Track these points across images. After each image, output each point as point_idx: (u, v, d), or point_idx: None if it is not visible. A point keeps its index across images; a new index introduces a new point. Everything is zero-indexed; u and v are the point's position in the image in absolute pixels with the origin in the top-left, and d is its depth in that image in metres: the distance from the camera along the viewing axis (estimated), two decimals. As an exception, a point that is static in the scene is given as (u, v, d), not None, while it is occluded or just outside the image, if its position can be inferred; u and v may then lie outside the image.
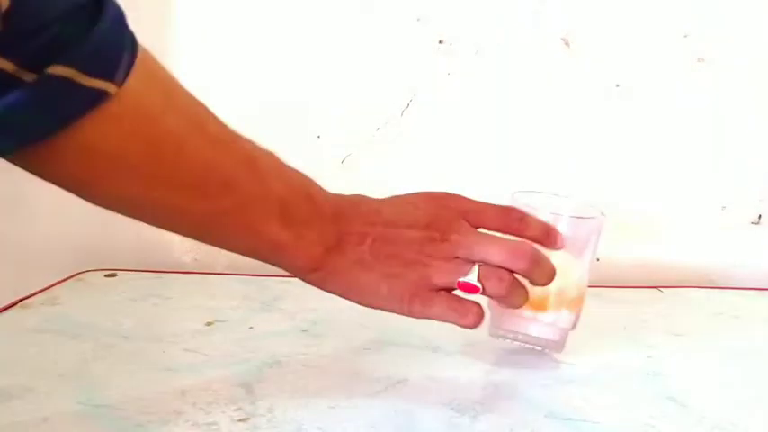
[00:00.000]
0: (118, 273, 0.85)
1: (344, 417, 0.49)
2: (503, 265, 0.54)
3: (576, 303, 0.58)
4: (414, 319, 0.62)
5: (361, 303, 0.55)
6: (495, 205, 0.57)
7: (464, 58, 0.90)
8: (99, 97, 0.38)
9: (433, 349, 0.62)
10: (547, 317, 0.57)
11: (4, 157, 0.38)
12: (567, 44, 0.90)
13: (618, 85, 0.91)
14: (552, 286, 0.55)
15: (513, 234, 0.56)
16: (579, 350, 0.62)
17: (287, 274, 0.84)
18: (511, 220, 0.56)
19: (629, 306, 0.77)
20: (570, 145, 0.91)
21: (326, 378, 0.56)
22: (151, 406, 0.50)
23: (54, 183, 0.42)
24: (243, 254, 0.53)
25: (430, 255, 0.54)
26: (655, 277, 0.86)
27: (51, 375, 0.55)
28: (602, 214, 0.58)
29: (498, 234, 0.56)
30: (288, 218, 0.51)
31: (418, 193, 0.58)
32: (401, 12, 0.90)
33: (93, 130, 0.39)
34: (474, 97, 0.91)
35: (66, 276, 0.82)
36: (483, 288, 0.53)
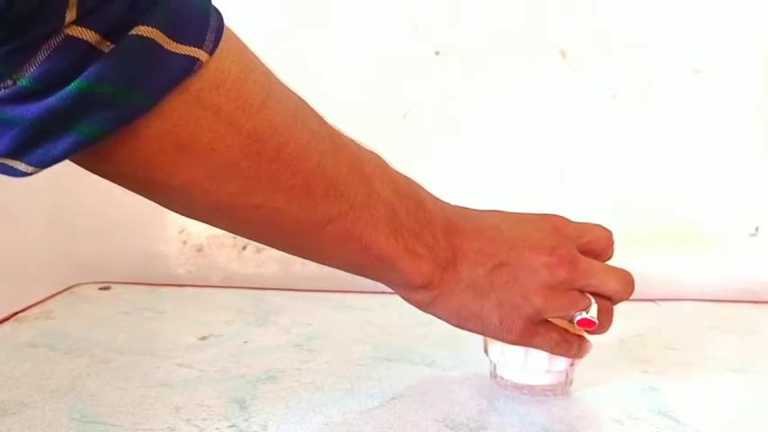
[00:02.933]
0: (112, 286, 0.85)
1: (339, 434, 0.49)
2: (614, 296, 0.52)
3: None
4: (409, 335, 0.62)
5: (462, 328, 0.52)
6: (597, 228, 0.54)
7: (461, 70, 0.90)
8: (189, 65, 0.34)
9: (428, 365, 0.62)
10: (540, 363, 0.54)
11: (90, 146, 0.33)
12: (563, 56, 0.90)
13: (614, 97, 0.91)
14: None
15: (601, 259, 0.54)
16: (575, 365, 0.61)
17: (281, 287, 0.85)
18: (609, 246, 0.54)
19: (624, 319, 0.76)
20: (566, 156, 0.91)
21: (321, 394, 0.55)
22: (145, 422, 0.50)
23: (142, 189, 0.39)
24: (344, 269, 0.48)
25: (550, 286, 0.50)
26: (650, 290, 0.86)
27: (45, 391, 0.55)
28: None
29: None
30: (396, 228, 0.46)
31: (529, 213, 0.54)
32: (397, 23, 0.90)
33: (186, 113, 0.35)
34: (471, 109, 0.91)
35: (60, 290, 0.82)
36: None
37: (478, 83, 0.91)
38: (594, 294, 0.52)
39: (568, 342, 0.53)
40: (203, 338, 0.67)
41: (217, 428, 0.49)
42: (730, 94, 0.90)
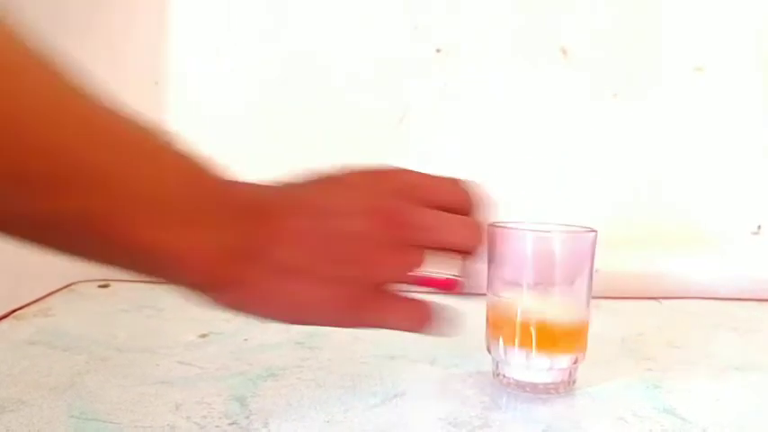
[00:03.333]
0: (111, 283, 0.84)
1: (341, 431, 0.48)
2: (461, 248, 0.46)
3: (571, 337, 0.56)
4: (411, 333, 0.61)
5: (293, 322, 0.45)
6: (443, 177, 0.48)
7: (461, 68, 0.90)
8: None
9: (430, 362, 0.62)
10: (543, 361, 0.54)
11: None
12: (564, 54, 0.90)
13: (615, 95, 0.90)
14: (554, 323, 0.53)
15: (463, 213, 0.47)
16: (577, 363, 0.61)
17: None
18: (462, 193, 0.48)
19: (627, 318, 0.77)
20: (566, 156, 0.91)
21: (322, 391, 0.55)
22: (144, 420, 0.49)
23: None
24: (113, 267, 0.41)
25: (375, 248, 0.44)
26: (653, 288, 0.86)
27: (44, 388, 0.54)
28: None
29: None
30: (169, 215, 0.39)
31: (351, 171, 0.46)
32: (398, 21, 0.89)
33: None
34: (471, 107, 0.91)
35: (59, 287, 0.82)
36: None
37: (479, 83, 0.91)
38: (439, 247, 0.45)
39: (408, 316, 0.47)
40: (203, 336, 0.67)
41: (217, 426, 0.49)
42: (731, 92, 0.90)
